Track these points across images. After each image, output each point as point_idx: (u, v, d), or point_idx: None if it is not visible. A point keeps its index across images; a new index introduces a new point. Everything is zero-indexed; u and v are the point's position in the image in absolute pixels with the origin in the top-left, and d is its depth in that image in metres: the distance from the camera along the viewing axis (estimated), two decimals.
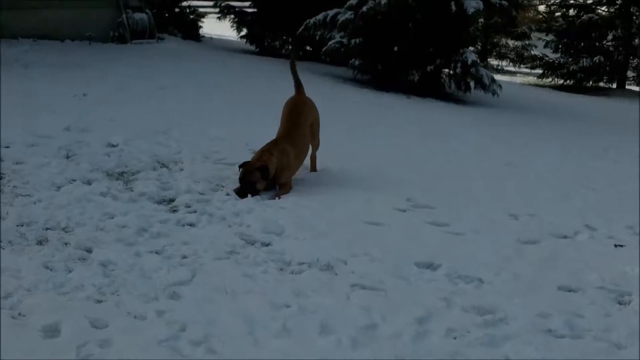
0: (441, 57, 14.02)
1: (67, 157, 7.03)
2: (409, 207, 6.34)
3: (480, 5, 13.65)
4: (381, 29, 13.99)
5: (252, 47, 19.47)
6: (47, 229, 5.29)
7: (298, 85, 7.28)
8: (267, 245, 5.29)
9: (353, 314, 4.28)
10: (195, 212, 5.85)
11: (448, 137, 10.00)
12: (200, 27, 20.81)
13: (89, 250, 4.98)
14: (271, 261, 4.98)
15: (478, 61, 14.21)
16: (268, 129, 7.64)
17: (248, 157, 7.33)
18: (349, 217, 5.92)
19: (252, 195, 6.26)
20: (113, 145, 7.57)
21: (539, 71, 23.85)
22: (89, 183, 6.32)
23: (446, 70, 14.52)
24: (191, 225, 5.60)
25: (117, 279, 4.56)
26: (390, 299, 4.50)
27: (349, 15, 14.28)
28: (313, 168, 7.22)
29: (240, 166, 6.45)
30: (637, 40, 22.88)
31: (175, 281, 4.56)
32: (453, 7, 13.33)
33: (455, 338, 4.14)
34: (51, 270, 4.62)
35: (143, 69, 13.11)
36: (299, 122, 6.92)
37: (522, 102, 15.47)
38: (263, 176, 6.34)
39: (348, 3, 14.43)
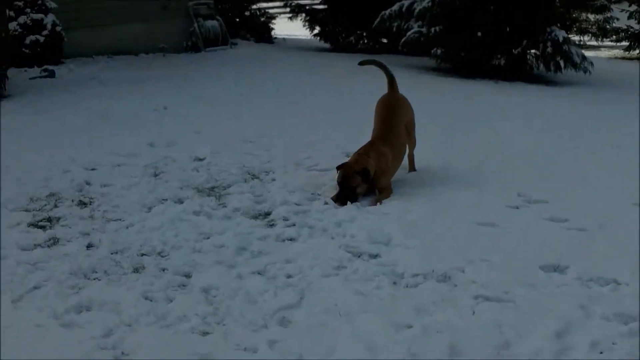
0: (528, 38, 13.39)
1: (155, 175, 6.80)
2: (521, 203, 5.86)
3: None
4: (461, 14, 13.45)
5: (327, 45, 19.13)
6: (142, 254, 5.03)
7: (391, 82, 6.86)
8: (376, 256, 4.90)
9: (483, 332, 3.85)
10: (294, 225, 5.51)
11: (548, 122, 9.42)
12: (272, 29, 20.58)
13: (188, 276, 4.68)
14: (382, 275, 4.59)
15: (569, 38, 13.52)
16: (360, 130, 7.27)
17: (341, 161, 6.98)
18: (459, 220, 5.48)
19: (352, 202, 5.89)
20: (200, 159, 7.33)
21: (625, 44, 22.76)
22: (180, 202, 6.05)
23: (532, 51, 13.85)
24: (292, 240, 5.26)
25: (221, 306, 4.24)
26: (521, 311, 4.05)
27: (426, 3, 13.76)
28: (412, 168, 6.79)
29: (338, 168, 6.09)
30: None
31: (284, 305, 4.21)
32: None
33: (601, 352, 3.68)
34: (151, 300, 4.34)
35: (220, 77, 12.93)
36: (394, 122, 6.51)
37: (614, 78, 14.68)
38: (364, 180, 5.97)
39: None
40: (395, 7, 14.61)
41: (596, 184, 6.39)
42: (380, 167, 6.10)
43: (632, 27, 22.40)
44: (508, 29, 13.35)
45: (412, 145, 6.77)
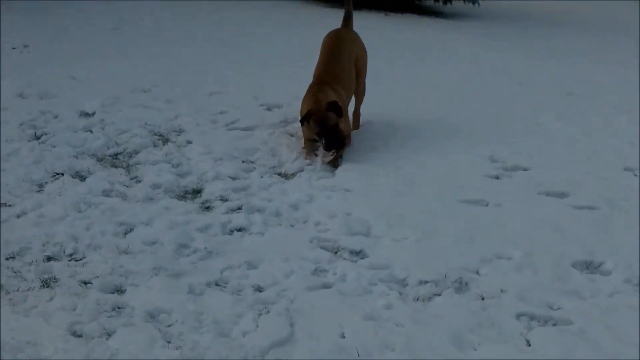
0: None
1: (37, 138, 5.42)
2: (499, 171, 4.98)
3: None
4: None
5: None
6: (48, 258, 3.78)
7: (347, 18, 5.83)
8: (359, 254, 3.88)
9: None
10: (239, 209, 4.38)
11: (469, 62, 8.55)
12: None
13: (121, 291, 3.50)
14: (381, 282, 3.59)
15: None
16: (273, 75, 6.16)
17: (264, 117, 5.88)
18: (440, 197, 4.53)
19: (341, 147, 5.04)
20: (88, 114, 5.96)
21: None
22: (80, 177, 4.76)
23: None
24: (242, 230, 4.14)
25: (184, 343, 3.10)
26: (593, 339, 3.12)
27: None
28: (356, 125, 5.73)
29: (304, 120, 5.04)
30: None
31: (274, 340, 3.12)
32: None
33: None
34: (81, 337, 3.14)
35: (82, 6, 11.13)
36: (342, 57, 5.49)
37: (495, 10, 14.02)
38: (339, 114, 5.00)
39: None
40: None
41: (566, 142, 5.61)
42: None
43: None
44: None
45: (360, 96, 5.74)
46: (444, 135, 5.60)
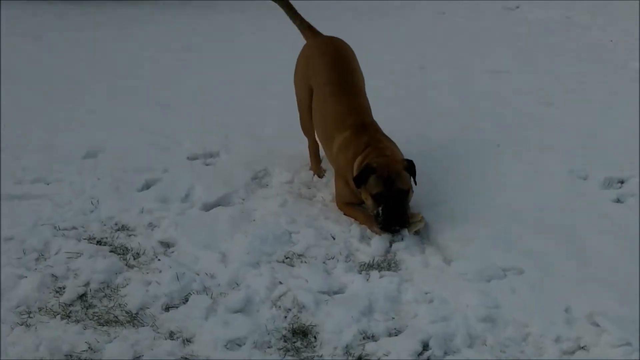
0: None
1: None
2: (608, 192, 3.93)
3: None
4: None
5: None
6: None
7: (308, 24, 4.31)
8: None
9: None
10: None
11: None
12: None
13: None
14: None
15: None
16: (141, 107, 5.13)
17: (219, 177, 4.20)
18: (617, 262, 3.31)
19: (403, 226, 3.60)
20: None
21: None
22: None
23: None
24: None
25: None
26: None
27: None
28: None
29: (360, 178, 3.58)
30: None
31: None
32: None
33: None
34: None
35: None
36: (357, 80, 4.08)
37: None
38: (414, 177, 3.66)
39: None
40: None
41: (589, 130, 4.72)
42: None
43: None
44: None
45: None
46: (482, 150, 4.38)
